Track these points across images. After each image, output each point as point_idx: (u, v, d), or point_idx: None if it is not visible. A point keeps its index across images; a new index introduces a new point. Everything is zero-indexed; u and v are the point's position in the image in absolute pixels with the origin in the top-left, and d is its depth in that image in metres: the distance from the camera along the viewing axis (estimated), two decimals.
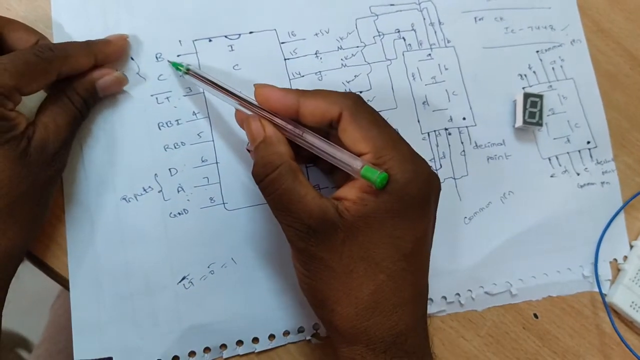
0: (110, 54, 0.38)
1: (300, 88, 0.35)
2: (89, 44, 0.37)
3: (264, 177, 0.32)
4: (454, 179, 0.44)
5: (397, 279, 0.32)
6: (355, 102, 0.33)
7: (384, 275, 0.31)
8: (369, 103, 0.34)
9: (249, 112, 0.35)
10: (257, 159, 0.33)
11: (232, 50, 0.42)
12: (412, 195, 0.31)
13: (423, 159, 0.33)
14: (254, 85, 0.34)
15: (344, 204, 0.31)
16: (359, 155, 0.32)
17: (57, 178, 0.36)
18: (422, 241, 0.33)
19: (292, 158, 0.33)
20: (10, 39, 0.35)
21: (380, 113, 0.33)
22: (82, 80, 0.37)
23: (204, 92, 0.40)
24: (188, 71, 0.38)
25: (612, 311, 0.45)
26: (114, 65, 0.39)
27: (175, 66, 0.39)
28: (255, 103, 0.35)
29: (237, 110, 0.36)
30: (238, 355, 0.39)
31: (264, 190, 0.33)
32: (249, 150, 0.37)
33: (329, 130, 0.34)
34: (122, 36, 0.39)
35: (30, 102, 0.37)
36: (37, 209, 0.35)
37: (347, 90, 0.41)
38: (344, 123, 0.32)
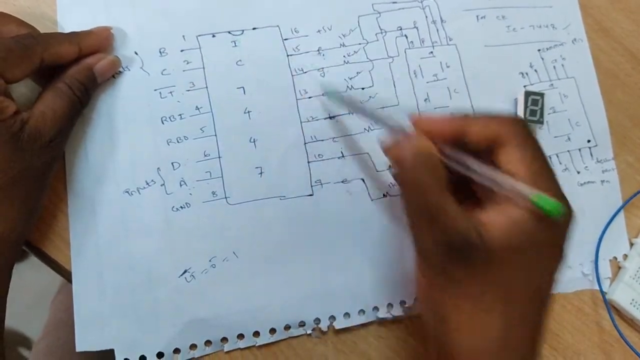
0: (93, 43, 0.38)
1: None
2: (71, 33, 0.38)
3: (414, 179, 0.31)
4: None
5: (527, 318, 0.31)
6: (524, 128, 0.32)
7: (517, 312, 0.30)
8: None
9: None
10: (413, 162, 0.32)
11: (236, 45, 0.42)
12: (559, 233, 0.31)
13: (567, 199, 0.32)
14: (410, 116, 0.34)
15: (488, 229, 0.30)
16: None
17: (53, 165, 0.36)
18: (552, 280, 0.32)
19: (446, 178, 0.32)
20: (1, 33, 0.36)
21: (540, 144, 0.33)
22: (79, 67, 0.37)
23: (207, 87, 0.41)
24: (342, 99, 0.40)
25: (613, 309, 0.45)
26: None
27: (330, 95, 0.41)
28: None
29: (387, 142, 0.35)
30: (239, 348, 0.39)
31: (411, 192, 0.32)
32: (382, 144, 0.35)
33: (482, 151, 0.33)
34: (105, 28, 0.39)
35: (29, 93, 0.38)
36: (32, 195, 0.35)
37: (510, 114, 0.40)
38: (510, 147, 0.31)
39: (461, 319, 0.31)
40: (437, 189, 0.31)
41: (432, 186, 0.31)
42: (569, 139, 0.46)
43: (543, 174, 0.31)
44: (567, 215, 0.31)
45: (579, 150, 0.46)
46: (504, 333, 0.30)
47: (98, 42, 0.38)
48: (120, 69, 0.40)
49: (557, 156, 0.46)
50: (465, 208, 0.33)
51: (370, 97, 0.43)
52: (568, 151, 0.46)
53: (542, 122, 0.44)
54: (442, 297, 0.31)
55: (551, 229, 0.30)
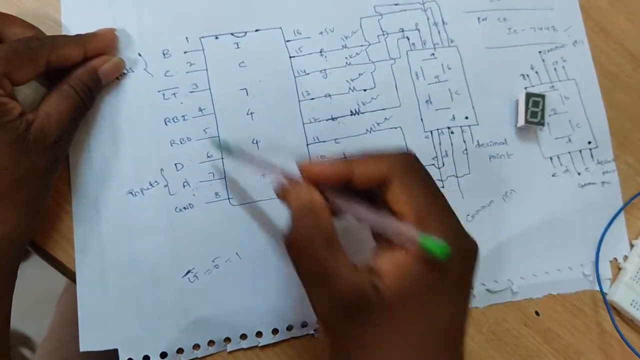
0: (98, 45, 0.38)
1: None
2: (77, 36, 0.38)
3: (297, 241, 0.31)
4: (457, 177, 0.44)
5: (431, 357, 0.30)
6: (406, 164, 0.32)
7: (421, 353, 0.29)
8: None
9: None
10: (293, 224, 0.31)
11: (238, 47, 0.42)
12: (456, 273, 0.30)
13: (470, 237, 0.31)
14: (298, 164, 0.33)
15: (380, 277, 0.29)
16: (401, 219, 0.30)
17: (58, 166, 0.36)
18: (460, 320, 0.31)
19: (333, 229, 0.31)
20: (6, 34, 0.36)
21: (432, 177, 0.32)
22: (85, 69, 0.37)
23: (210, 89, 0.41)
24: (231, 151, 0.38)
25: (613, 309, 0.45)
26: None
27: (217, 146, 0.40)
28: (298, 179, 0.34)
29: (279, 187, 0.34)
30: (242, 348, 0.39)
31: (297, 255, 0.31)
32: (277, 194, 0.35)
33: (375, 193, 0.33)
34: (110, 29, 0.40)
35: (34, 94, 0.38)
36: (36, 195, 0.35)
37: (399, 149, 0.38)
38: (394, 184, 0.31)
39: None
40: (323, 244, 0.30)
41: (317, 242, 0.30)
42: (569, 140, 0.47)
43: (431, 210, 0.30)
44: (466, 251, 0.30)
45: (580, 151, 0.47)
46: None
47: (103, 44, 0.39)
48: (124, 71, 0.40)
49: (558, 157, 0.46)
50: (372, 251, 0.33)
51: (371, 98, 0.43)
52: (569, 152, 0.46)
53: (542, 124, 0.44)
54: (345, 355, 0.31)
55: (445, 269, 0.29)
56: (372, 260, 0.31)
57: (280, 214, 0.40)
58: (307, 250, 0.30)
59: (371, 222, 0.31)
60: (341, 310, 0.29)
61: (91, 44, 0.38)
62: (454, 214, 0.31)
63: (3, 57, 0.33)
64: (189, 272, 0.39)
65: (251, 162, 0.38)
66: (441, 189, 0.41)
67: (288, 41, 0.43)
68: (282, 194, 0.34)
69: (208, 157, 0.40)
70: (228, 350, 0.39)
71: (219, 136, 0.40)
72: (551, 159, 0.46)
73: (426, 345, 0.30)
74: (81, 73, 0.37)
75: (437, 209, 0.31)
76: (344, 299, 0.29)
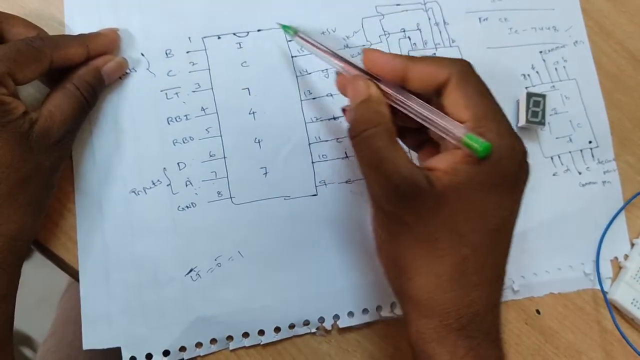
0: (101, 45, 0.39)
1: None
2: (79, 35, 0.38)
3: (361, 132, 0.31)
4: None
5: (480, 256, 0.31)
6: (465, 67, 0.32)
7: (468, 249, 0.30)
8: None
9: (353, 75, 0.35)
10: (357, 114, 0.32)
11: (241, 47, 0.42)
12: (506, 171, 0.31)
13: (520, 139, 0.32)
14: (363, 49, 0.34)
15: (435, 174, 0.30)
16: (459, 122, 0.31)
17: (61, 164, 0.37)
18: (508, 220, 0.32)
19: (392, 121, 0.32)
20: (9, 34, 0.36)
21: (486, 84, 0.33)
22: (88, 69, 0.38)
23: (212, 88, 0.41)
24: (296, 33, 0.39)
25: (614, 308, 0.45)
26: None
27: (285, 28, 0.40)
28: (361, 66, 0.34)
29: (338, 76, 0.36)
30: (244, 347, 0.39)
31: (359, 144, 0.32)
32: (344, 110, 0.37)
33: (431, 98, 0.33)
34: (113, 29, 0.40)
35: (37, 93, 0.38)
36: (40, 194, 0.35)
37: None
38: (450, 88, 0.32)
39: (416, 264, 0.31)
40: (382, 135, 0.31)
41: (377, 133, 0.31)
42: (570, 140, 0.47)
43: (487, 113, 0.31)
44: (513, 152, 0.31)
45: (581, 151, 0.47)
46: (457, 268, 0.30)
47: (106, 43, 0.39)
48: (127, 70, 0.40)
49: (559, 157, 0.46)
50: (423, 153, 0.36)
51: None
52: (569, 152, 0.47)
53: (543, 124, 0.45)
54: (397, 245, 0.32)
55: (497, 168, 0.30)
56: (425, 162, 0.32)
57: (281, 213, 0.41)
58: (368, 140, 0.31)
59: (425, 116, 0.32)
60: (396, 195, 0.30)
61: (94, 43, 0.38)
62: (506, 118, 0.32)
63: (7, 56, 0.33)
64: (191, 270, 0.39)
65: (314, 48, 0.38)
66: None
67: (290, 41, 0.43)
68: (341, 86, 0.36)
69: (211, 156, 0.40)
70: (230, 348, 0.39)
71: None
72: (552, 158, 0.46)
73: (475, 242, 0.31)
74: (84, 72, 0.37)
75: (492, 113, 0.32)
76: (401, 185, 0.30)
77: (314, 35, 0.41)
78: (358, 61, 0.35)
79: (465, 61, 0.33)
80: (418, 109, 0.32)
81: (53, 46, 0.35)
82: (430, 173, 0.31)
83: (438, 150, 0.35)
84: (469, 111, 0.31)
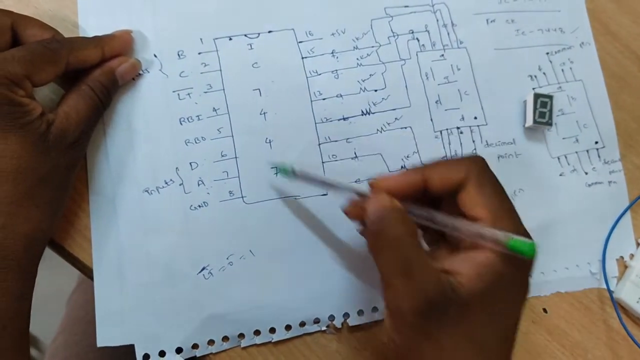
0: (116, 47, 0.39)
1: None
2: (95, 37, 0.39)
3: (385, 233, 0.31)
4: None
5: (495, 356, 0.31)
6: (481, 167, 0.33)
7: (487, 353, 0.31)
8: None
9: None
10: (379, 217, 0.32)
11: (252, 48, 0.43)
12: (523, 271, 0.32)
13: (528, 232, 0.33)
14: (370, 182, 0.34)
15: (456, 279, 0.30)
16: (474, 220, 0.32)
17: (77, 164, 0.37)
18: (520, 314, 0.32)
19: (416, 228, 0.32)
20: (25, 36, 0.36)
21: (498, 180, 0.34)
22: (102, 70, 0.38)
23: (224, 89, 0.42)
24: (294, 172, 0.38)
25: (620, 307, 0.46)
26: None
27: (282, 172, 0.39)
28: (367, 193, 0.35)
29: (349, 205, 0.36)
30: (255, 344, 0.40)
31: (383, 247, 0.31)
32: (362, 232, 0.37)
33: (442, 198, 0.34)
34: (126, 31, 0.40)
35: (53, 95, 0.39)
36: (57, 194, 0.36)
37: (472, 153, 0.39)
38: (469, 187, 0.32)
39: None
40: (410, 242, 0.31)
41: (406, 240, 0.31)
42: (577, 140, 0.47)
43: (503, 211, 0.32)
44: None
45: (587, 151, 0.47)
46: None
47: (120, 45, 0.39)
48: (140, 71, 0.41)
49: (566, 157, 0.47)
50: (436, 252, 0.35)
51: (382, 99, 0.44)
52: (576, 152, 0.47)
53: (551, 124, 0.45)
54: (416, 354, 0.31)
55: (519, 266, 0.31)
56: (446, 261, 0.32)
57: (292, 212, 0.41)
58: (395, 246, 0.31)
59: (451, 227, 0.32)
60: (422, 305, 0.30)
61: (108, 45, 0.39)
62: (518, 215, 0.33)
63: (24, 58, 0.34)
64: (203, 269, 0.40)
65: (318, 183, 0.38)
66: None
67: (300, 42, 0.44)
68: (353, 214, 0.35)
69: (222, 156, 0.41)
70: (242, 345, 0.40)
71: (275, 166, 0.41)
72: (559, 158, 0.47)
73: (493, 345, 0.31)
74: (99, 74, 0.38)
75: (508, 210, 0.32)
76: (427, 294, 0.29)
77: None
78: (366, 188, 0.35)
79: (480, 158, 0.34)
80: (448, 222, 0.32)
81: (69, 48, 0.36)
82: (452, 278, 0.30)
83: (446, 249, 0.35)
84: (486, 210, 0.32)
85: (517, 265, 0.31)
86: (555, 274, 0.45)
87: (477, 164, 0.33)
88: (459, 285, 0.30)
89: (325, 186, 0.38)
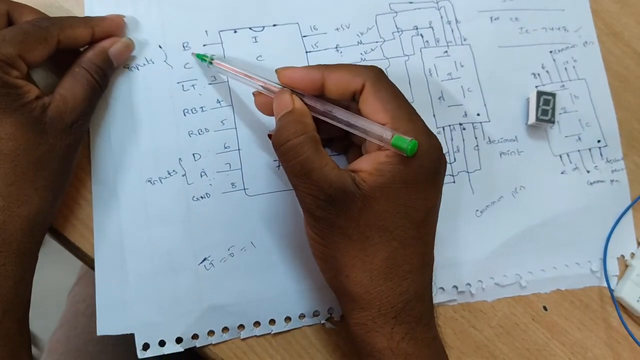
0: (107, 28, 0.39)
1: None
2: (85, 17, 0.39)
3: (286, 142, 0.33)
4: (467, 172, 0.45)
5: (408, 247, 0.33)
6: (377, 74, 0.34)
7: (397, 242, 0.33)
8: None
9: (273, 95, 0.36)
10: (281, 125, 0.34)
11: (256, 41, 0.43)
12: (426, 167, 0.33)
13: (435, 135, 0.34)
14: (276, 70, 0.36)
15: (360, 175, 0.33)
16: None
17: (76, 148, 0.37)
18: (432, 212, 0.35)
19: (315, 131, 0.34)
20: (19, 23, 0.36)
21: (398, 88, 0.35)
22: (95, 51, 0.38)
23: (228, 81, 0.42)
24: (212, 61, 0.40)
25: (620, 306, 0.46)
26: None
27: (200, 57, 0.40)
28: (279, 86, 0.36)
29: (257, 95, 0.38)
30: (255, 336, 0.40)
31: (285, 154, 0.33)
32: (270, 136, 0.38)
33: (348, 104, 0.36)
34: (119, 15, 0.41)
35: (49, 79, 0.39)
36: (56, 178, 0.35)
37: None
38: (366, 94, 0.34)
39: (351, 262, 0.33)
40: (307, 144, 0.33)
41: (305, 144, 0.33)
42: (579, 138, 0.47)
43: (402, 114, 0.33)
44: (431, 147, 0.33)
45: (589, 150, 0.47)
46: (388, 261, 0.33)
47: (111, 26, 0.39)
48: (145, 62, 0.41)
49: (568, 155, 0.47)
50: (349, 156, 0.38)
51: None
52: (578, 151, 0.47)
53: (553, 122, 0.45)
54: (332, 247, 0.34)
55: (417, 164, 0.33)
56: (350, 165, 0.35)
57: (294, 205, 0.41)
58: (295, 149, 0.33)
59: (350, 123, 0.34)
60: (324, 200, 0.32)
61: (99, 26, 0.38)
62: (420, 117, 0.35)
63: (15, 38, 0.33)
64: (205, 259, 0.40)
65: (233, 72, 0.39)
66: (452, 184, 0.43)
67: (305, 36, 0.44)
68: (261, 106, 0.38)
69: (225, 148, 0.41)
70: (242, 337, 0.40)
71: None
72: (561, 156, 0.47)
73: (402, 235, 0.33)
74: (92, 55, 0.38)
75: (407, 114, 0.34)
76: (327, 189, 0.32)
77: (231, 60, 0.42)
78: (275, 79, 0.36)
79: (377, 68, 0.35)
80: (343, 117, 0.34)
81: (59, 26, 0.36)
82: (356, 175, 0.33)
83: (359, 149, 0.37)
84: (385, 114, 0.33)
85: (417, 164, 0.33)
86: (556, 271, 0.45)
87: (374, 71, 0.35)
88: (361, 181, 0.32)
89: (240, 78, 0.38)
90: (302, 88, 0.35)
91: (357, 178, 0.33)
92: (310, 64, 0.43)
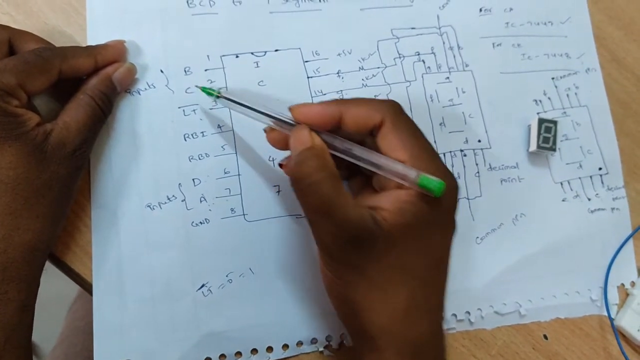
0: (109, 55, 0.39)
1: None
2: (87, 46, 0.39)
3: (306, 178, 0.32)
4: (468, 199, 0.45)
5: (427, 286, 0.33)
6: (396, 109, 0.34)
7: (417, 282, 0.33)
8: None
9: (287, 132, 0.35)
10: (300, 161, 0.33)
11: (258, 66, 0.43)
12: (447, 207, 0.33)
13: (453, 174, 0.34)
14: (290, 108, 0.35)
15: (380, 214, 0.32)
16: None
17: (78, 174, 0.37)
18: (449, 249, 0.35)
19: (335, 168, 0.33)
20: (22, 50, 0.37)
21: (415, 123, 0.35)
22: (99, 78, 0.38)
23: (229, 107, 0.42)
24: (219, 95, 0.38)
25: (620, 335, 0.45)
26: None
27: (206, 91, 0.39)
28: (292, 121, 0.35)
29: (270, 132, 0.37)
30: None
31: (304, 190, 0.32)
32: (281, 165, 0.37)
33: (363, 139, 0.35)
34: (119, 41, 0.41)
35: (53, 106, 0.39)
36: (58, 204, 0.35)
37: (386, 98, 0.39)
38: (385, 130, 0.33)
39: (370, 303, 0.32)
40: (328, 181, 0.32)
41: (326, 182, 0.32)
42: (580, 166, 0.47)
43: (421, 152, 0.33)
44: (451, 187, 0.33)
45: (590, 177, 0.47)
46: (408, 301, 0.32)
47: (113, 54, 0.39)
48: (146, 86, 0.41)
49: (569, 183, 0.47)
50: (362, 196, 0.36)
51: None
52: (579, 178, 0.47)
53: (554, 149, 0.45)
54: (348, 286, 0.33)
55: (438, 204, 0.32)
56: (368, 200, 0.34)
57: (293, 231, 0.41)
58: (315, 186, 0.32)
59: (372, 162, 0.33)
60: (345, 240, 0.31)
61: (101, 54, 0.39)
62: (438, 155, 0.34)
63: (16, 68, 0.33)
64: (203, 285, 0.40)
65: (242, 107, 0.37)
66: None
67: (306, 61, 0.44)
68: (274, 141, 0.36)
69: (225, 173, 0.41)
70: None
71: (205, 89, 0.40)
72: (562, 184, 0.47)
73: (422, 275, 0.33)
74: (96, 81, 0.38)
75: (426, 151, 0.34)
76: (349, 229, 0.31)
77: (235, 91, 0.41)
78: (289, 115, 0.35)
79: (395, 102, 0.35)
80: (364, 156, 0.34)
81: (61, 56, 0.36)
82: (376, 213, 0.32)
83: (366, 178, 0.37)
84: (405, 151, 0.33)
85: (438, 203, 0.32)
86: (555, 299, 0.45)
87: (393, 107, 0.34)
88: (382, 220, 0.31)
89: (250, 111, 0.37)
90: (319, 125, 0.34)
91: (377, 216, 0.32)
92: (311, 88, 0.43)
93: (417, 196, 0.32)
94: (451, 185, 0.33)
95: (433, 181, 0.31)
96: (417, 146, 0.33)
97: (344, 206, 0.31)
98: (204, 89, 0.39)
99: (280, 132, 0.36)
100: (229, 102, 0.38)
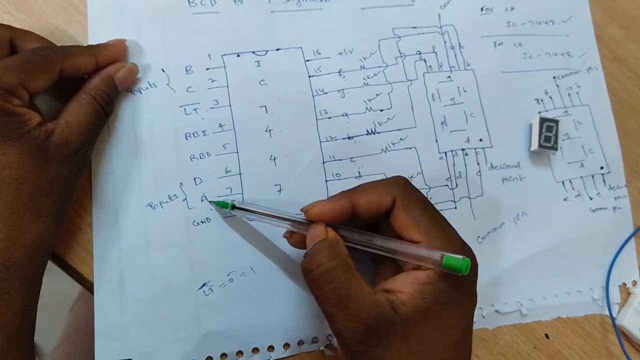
0: (110, 55, 0.39)
1: (342, 191, 0.36)
2: (88, 46, 0.39)
3: (318, 266, 0.32)
4: (469, 198, 0.45)
5: None
6: (404, 187, 0.34)
7: None
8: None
9: (306, 232, 0.35)
10: (312, 252, 0.33)
11: (259, 65, 0.43)
12: (467, 282, 0.33)
13: (469, 247, 0.34)
14: (302, 209, 0.35)
15: (398, 297, 0.31)
16: (410, 241, 0.33)
17: (80, 174, 0.37)
18: (470, 326, 0.34)
19: (349, 257, 0.33)
20: (23, 49, 0.36)
21: (428, 199, 0.35)
22: (100, 77, 0.38)
23: (230, 106, 0.42)
24: (234, 207, 0.39)
25: (622, 334, 0.45)
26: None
27: (220, 204, 0.39)
28: (308, 221, 0.35)
29: (290, 236, 0.37)
30: None
31: (317, 280, 0.32)
32: (290, 233, 0.37)
33: (375, 221, 0.35)
34: (120, 40, 0.41)
35: (54, 105, 0.39)
36: (60, 204, 0.35)
37: (394, 175, 0.37)
38: (397, 210, 0.33)
39: None
40: (341, 268, 0.32)
41: (338, 273, 0.31)
42: (582, 165, 0.47)
43: (435, 230, 0.33)
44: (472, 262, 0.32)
45: (592, 176, 0.47)
46: None
47: (114, 53, 0.39)
48: (147, 85, 0.41)
49: (571, 182, 0.47)
50: (379, 275, 0.36)
51: (387, 119, 0.44)
52: (581, 177, 0.47)
53: (556, 149, 0.45)
54: None
55: (460, 281, 0.32)
56: (386, 283, 0.33)
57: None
58: (328, 274, 0.32)
59: (393, 250, 0.33)
60: (365, 333, 0.31)
61: (102, 53, 0.39)
62: (453, 228, 0.34)
63: (18, 67, 0.33)
64: (204, 285, 0.40)
65: (259, 215, 0.38)
66: (454, 210, 0.43)
67: (308, 61, 0.44)
68: (295, 243, 0.37)
69: (226, 172, 0.41)
70: None
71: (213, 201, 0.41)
72: (563, 183, 0.47)
73: (443, 357, 0.31)
74: (98, 81, 0.38)
75: (440, 228, 0.33)
76: (366, 320, 0.30)
77: (248, 202, 0.41)
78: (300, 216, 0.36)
79: (403, 179, 0.35)
80: (384, 245, 0.33)
81: (62, 55, 0.36)
82: (393, 297, 0.31)
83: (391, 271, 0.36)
84: (419, 230, 0.32)
85: (460, 280, 0.32)
86: (556, 298, 0.45)
87: (401, 185, 0.34)
88: (400, 304, 0.31)
89: (266, 218, 0.37)
90: (334, 221, 0.34)
91: (395, 301, 0.31)
92: (312, 87, 0.43)
93: (438, 276, 0.31)
94: (472, 262, 0.32)
95: (458, 260, 0.30)
96: (430, 224, 0.33)
97: (359, 295, 0.31)
98: (217, 203, 0.40)
99: (299, 234, 0.36)
100: (245, 211, 0.38)
